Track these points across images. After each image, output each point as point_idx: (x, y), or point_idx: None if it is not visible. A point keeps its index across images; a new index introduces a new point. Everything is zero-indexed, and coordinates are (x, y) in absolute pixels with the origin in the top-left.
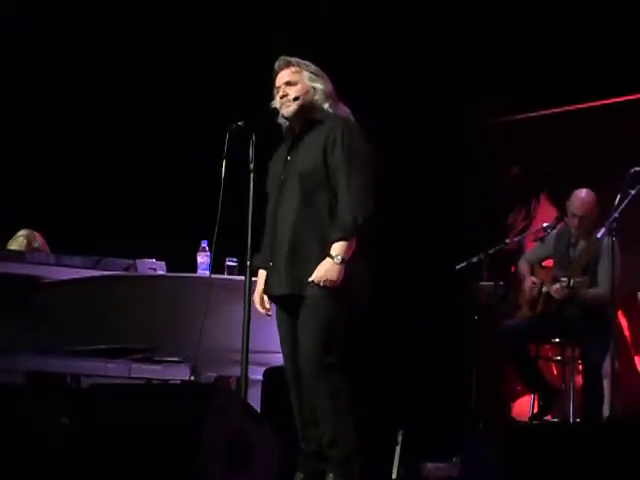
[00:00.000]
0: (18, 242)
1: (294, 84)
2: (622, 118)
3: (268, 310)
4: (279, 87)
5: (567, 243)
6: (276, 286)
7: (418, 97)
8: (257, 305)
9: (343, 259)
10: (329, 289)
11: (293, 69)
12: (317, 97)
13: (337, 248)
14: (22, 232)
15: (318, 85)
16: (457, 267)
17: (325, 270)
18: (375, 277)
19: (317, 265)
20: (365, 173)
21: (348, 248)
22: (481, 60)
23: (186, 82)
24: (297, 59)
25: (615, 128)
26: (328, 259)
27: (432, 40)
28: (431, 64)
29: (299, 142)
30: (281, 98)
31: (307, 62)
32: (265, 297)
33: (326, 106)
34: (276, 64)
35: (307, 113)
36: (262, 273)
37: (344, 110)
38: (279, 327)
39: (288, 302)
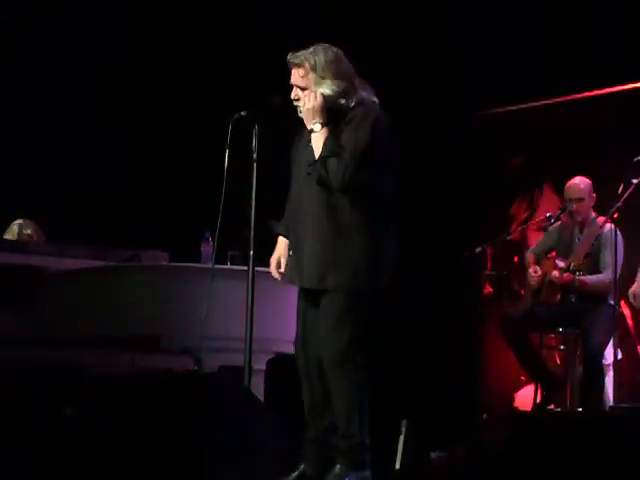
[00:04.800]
0: (12, 231)
1: (303, 89)
2: (625, 107)
3: (282, 275)
4: (292, 85)
5: (570, 234)
6: (300, 277)
7: (420, 87)
8: (272, 268)
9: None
10: (352, 286)
11: (302, 72)
12: (328, 101)
13: (320, 138)
14: (15, 222)
15: (326, 89)
16: (464, 255)
17: (316, 112)
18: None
19: (337, 264)
20: (362, 155)
21: (323, 140)
22: (483, 49)
23: (190, 72)
24: (305, 56)
25: (618, 117)
26: (318, 121)
27: (433, 31)
28: (432, 55)
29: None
30: (295, 101)
31: (313, 56)
32: (282, 260)
33: (342, 102)
34: (287, 59)
35: (324, 113)
36: (281, 240)
37: (366, 97)
38: (298, 313)
39: (309, 292)
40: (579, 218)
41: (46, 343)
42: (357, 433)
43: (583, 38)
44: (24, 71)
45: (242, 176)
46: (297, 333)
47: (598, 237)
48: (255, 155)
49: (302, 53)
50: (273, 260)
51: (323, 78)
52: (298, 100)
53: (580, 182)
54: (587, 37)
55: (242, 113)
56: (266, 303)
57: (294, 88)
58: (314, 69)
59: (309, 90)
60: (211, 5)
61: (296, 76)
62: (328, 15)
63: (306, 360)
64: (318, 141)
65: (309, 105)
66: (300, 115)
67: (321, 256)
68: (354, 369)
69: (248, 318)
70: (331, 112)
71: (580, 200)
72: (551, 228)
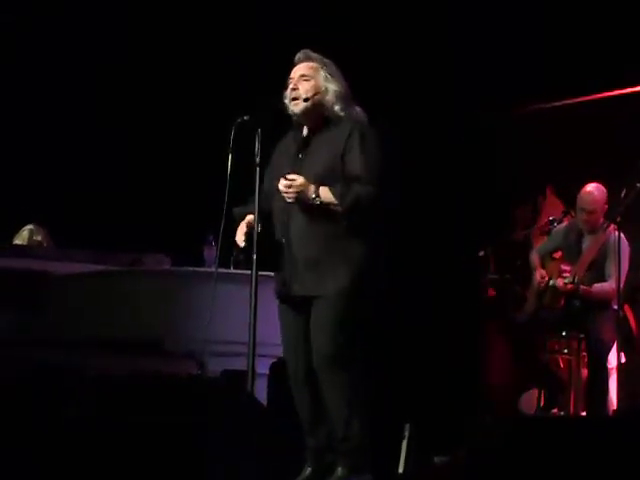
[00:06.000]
0: (22, 236)
1: (308, 79)
2: (630, 110)
3: (244, 242)
4: (293, 78)
5: (576, 236)
6: (293, 287)
7: (424, 89)
8: (239, 235)
9: (321, 202)
10: (343, 289)
11: (311, 64)
12: (328, 97)
13: (326, 195)
14: (27, 227)
15: (331, 86)
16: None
17: (305, 189)
18: (388, 274)
19: (334, 269)
20: (379, 179)
21: (331, 203)
22: (490, 52)
23: (193, 76)
24: (319, 56)
25: (623, 120)
26: (312, 190)
27: (444, 31)
28: (438, 57)
29: (312, 140)
30: (292, 91)
31: (328, 61)
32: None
33: (337, 108)
34: (297, 56)
35: (317, 112)
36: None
37: (358, 112)
38: (285, 327)
39: (300, 302)
40: (588, 227)
41: (50, 348)
42: (355, 435)
43: (592, 40)
44: (24, 71)
45: (245, 180)
46: (286, 342)
47: (605, 244)
48: (258, 159)
49: (315, 54)
50: (242, 228)
51: (331, 76)
52: (295, 90)
53: (595, 190)
54: (596, 38)
55: (245, 117)
56: (269, 307)
57: (295, 79)
58: (324, 68)
59: (314, 81)
60: (213, 7)
61: (304, 67)
62: (331, 16)
63: (297, 368)
64: (328, 198)
65: (293, 193)
66: (291, 109)
67: (316, 268)
68: (348, 372)
69: (251, 322)
70: (323, 115)
71: (593, 212)
72: (556, 229)
